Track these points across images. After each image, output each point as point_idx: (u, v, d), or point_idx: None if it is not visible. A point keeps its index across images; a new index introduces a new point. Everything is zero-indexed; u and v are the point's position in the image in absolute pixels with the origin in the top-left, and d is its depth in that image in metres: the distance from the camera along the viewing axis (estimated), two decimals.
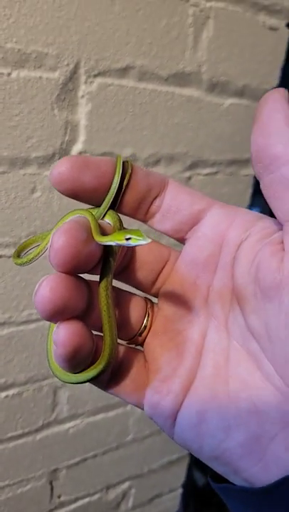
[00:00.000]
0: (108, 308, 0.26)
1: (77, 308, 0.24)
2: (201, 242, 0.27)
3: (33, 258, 0.30)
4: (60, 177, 0.24)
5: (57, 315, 0.23)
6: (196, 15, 0.63)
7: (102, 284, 0.26)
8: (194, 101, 0.68)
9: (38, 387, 0.74)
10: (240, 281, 0.25)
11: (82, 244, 0.23)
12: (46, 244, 0.29)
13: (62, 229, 0.23)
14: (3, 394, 0.71)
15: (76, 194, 0.25)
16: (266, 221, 0.26)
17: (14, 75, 0.52)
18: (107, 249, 0.26)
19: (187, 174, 0.72)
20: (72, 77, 0.56)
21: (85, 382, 0.26)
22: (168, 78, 0.64)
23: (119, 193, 0.26)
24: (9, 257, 0.60)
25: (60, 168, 0.24)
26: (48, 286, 0.23)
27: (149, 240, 0.24)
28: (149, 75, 0.62)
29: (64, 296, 0.23)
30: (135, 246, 0.25)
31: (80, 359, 0.24)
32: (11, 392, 0.72)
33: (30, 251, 0.31)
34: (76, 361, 0.24)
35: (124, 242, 0.24)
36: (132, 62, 0.60)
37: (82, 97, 0.58)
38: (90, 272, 0.26)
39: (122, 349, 0.29)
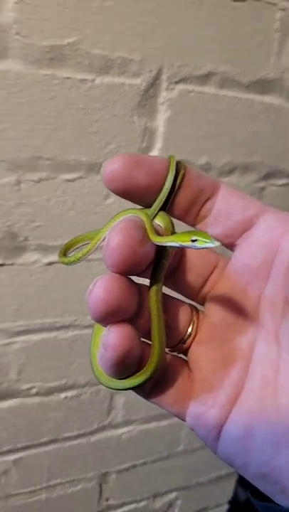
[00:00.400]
0: (158, 313, 0.25)
1: (129, 311, 0.24)
2: (253, 248, 0.26)
3: (81, 257, 0.29)
4: (113, 175, 0.23)
5: (109, 316, 0.23)
6: (282, 19, 0.61)
7: (153, 288, 0.25)
8: (274, 109, 0.65)
9: (95, 391, 0.74)
10: None
11: (138, 244, 0.22)
12: (96, 242, 0.28)
13: (118, 227, 0.22)
14: (63, 395, 0.72)
15: (128, 193, 0.24)
16: None
17: (98, 81, 0.52)
18: (160, 252, 0.25)
19: (261, 184, 0.70)
20: (154, 83, 0.55)
21: (130, 389, 0.25)
22: (249, 85, 0.62)
23: (171, 193, 0.25)
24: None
25: (113, 165, 0.23)
26: (102, 287, 0.22)
27: (218, 243, 0.23)
28: (230, 81, 0.60)
29: (118, 298, 0.22)
30: (201, 249, 0.24)
31: (129, 364, 0.24)
32: (70, 393, 0.72)
33: (78, 249, 0.30)
34: (124, 366, 0.23)
35: (189, 244, 0.23)
36: (214, 68, 0.58)
37: (162, 103, 0.57)
38: (140, 274, 0.25)
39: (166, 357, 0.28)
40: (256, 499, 0.26)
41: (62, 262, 0.30)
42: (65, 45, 0.49)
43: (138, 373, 0.25)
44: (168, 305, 0.28)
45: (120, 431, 0.81)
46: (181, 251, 0.27)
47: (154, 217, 0.26)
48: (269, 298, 0.26)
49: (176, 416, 0.27)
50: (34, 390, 0.69)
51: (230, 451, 0.25)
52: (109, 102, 0.54)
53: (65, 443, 0.77)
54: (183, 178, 0.25)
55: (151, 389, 0.26)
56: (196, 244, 0.23)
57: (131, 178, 0.24)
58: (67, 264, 0.29)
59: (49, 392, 0.71)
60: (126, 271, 0.23)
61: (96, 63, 0.51)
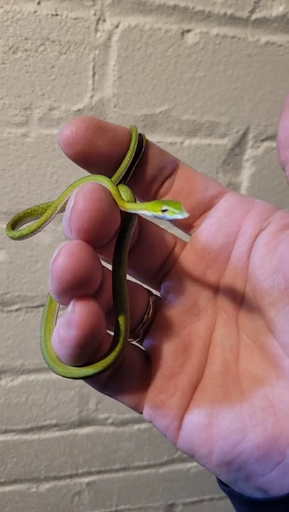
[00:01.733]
0: (123, 292, 0.22)
1: (96, 285, 0.21)
2: (213, 230, 0.25)
3: (34, 230, 0.25)
4: (74, 137, 0.21)
5: (76, 288, 0.19)
6: None
7: (118, 263, 0.22)
8: None
9: None
10: (259, 272, 0.23)
11: (108, 207, 0.20)
12: (53, 211, 0.25)
13: (86, 189, 0.20)
14: (136, 426, 0.75)
15: (87, 160, 0.22)
16: (286, 211, 0.24)
17: (186, 143, 0.55)
18: (125, 223, 0.23)
19: None
20: (240, 142, 0.57)
21: (86, 377, 0.22)
22: None
23: (132, 165, 0.23)
24: None
25: (73, 127, 0.21)
26: (68, 253, 0.19)
27: (187, 215, 0.20)
28: None
29: (86, 266, 0.19)
30: (170, 220, 0.21)
31: (93, 346, 0.21)
32: (142, 426, 0.76)
33: (28, 224, 0.26)
34: (88, 348, 0.20)
35: (159, 214, 0.20)
36: None
37: (247, 160, 0.59)
38: (101, 249, 0.22)
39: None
40: (223, 485, 0.25)
41: (11, 237, 0.26)
42: (157, 114, 0.53)
43: (101, 359, 0.22)
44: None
45: (189, 465, 0.83)
46: (138, 229, 0.25)
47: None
48: (229, 280, 0.25)
49: (132, 409, 0.25)
50: (110, 420, 0.74)
51: (192, 441, 0.23)
52: (195, 162, 0.57)
53: (135, 471, 0.80)
54: (145, 152, 0.24)
55: (107, 380, 0.24)
56: (166, 214, 0.20)
57: (92, 143, 0.22)
58: (16, 238, 0.26)
59: (123, 423, 0.75)
60: (93, 238, 0.20)
61: (185, 127, 0.55)
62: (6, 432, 0.70)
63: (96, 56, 0.50)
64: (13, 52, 0.48)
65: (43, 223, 0.25)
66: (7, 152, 0.51)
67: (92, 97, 0.51)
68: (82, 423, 0.73)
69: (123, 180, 0.24)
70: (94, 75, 0.50)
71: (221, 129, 0.56)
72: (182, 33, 0.51)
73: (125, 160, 0.23)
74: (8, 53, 0.48)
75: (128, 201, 0.22)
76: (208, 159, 0.57)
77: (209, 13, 0.50)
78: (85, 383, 0.63)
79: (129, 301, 0.23)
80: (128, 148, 0.23)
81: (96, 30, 0.49)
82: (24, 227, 0.26)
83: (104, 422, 0.74)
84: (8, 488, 0.76)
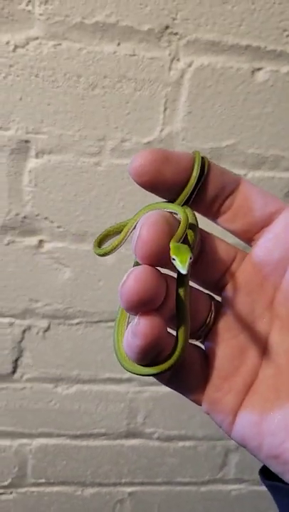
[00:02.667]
0: (185, 304, 0.25)
1: (159, 301, 0.24)
2: (271, 244, 0.27)
3: (115, 247, 0.29)
4: (142, 169, 0.24)
5: (141, 306, 0.23)
6: None
7: (182, 278, 0.25)
8: None
9: (211, 446, 0.78)
10: None
11: (168, 239, 0.23)
12: (125, 235, 0.28)
13: (149, 221, 0.23)
14: (181, 443, 0.77)
15: (155, 187, 0.25)
16: None
17: (250, 175, 0.57)
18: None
19: None
20: None
21: (151, 375, 0.25)
22: None
23: (195, 189, 0.26)
24: None
25: (142, 160, 0.24)
26: (135, 278, 0.23)
27: (185, 272, 0.23)
28: None
29: (149, 289, 0.23)
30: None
31: (157, 351, 0.24)
32: (187, 443, 0.77)
33: (111, 241, 0.30)
34: (151, 353, 0.24)
35: (172, 260, 0.23)
36: None
37: None
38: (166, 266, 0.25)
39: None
40: (264, 478, 0.28)
41: (97, 254, 0.30)
42: (223, 147, 0.55)
43: (166, 360, 0.25)
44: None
45: (230, 487, 0.83)
46: (201, 243, 0.28)
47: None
48: (285, 291, 0.27)
49: (193, 401, 0.28)
50: (156, 435, 0.76)
51: (244, 434, 0.26)
52: None
53: (176, 487, 0.82)
54: (207, 174, 0.26)
55: (170, 377, 0.28)
56: (174, 262, 0.23)
57: (159, 173, 0.24)
58: (102, 255, 0.29)
59: (169, 438, 0.77)
60: (156, 263, 0.23)
61: (250, 161, 0.56)
62: (58, 435, 0.74)
63: (168, 93, 0.52)
64: (92, 89, 0.51)
65: (117, 245, 0.29)
66: (80, 179, 0.55)
67: (161, 130, 0.54)
68: (129, 435, 0.76)
69: (188, 202, 0.26)
70: (165, 110, 0.53)
71: (285, 162, 0.57)
72: (252, 72, 0.52)
73: (189, 184, 0.25)
74: (88, 90, 0.51)
75: (183, 225, 0.25)
76: (271, 191, 0.58)
77: (281, 52, 0.52)
78: (135, 398, 0.65)
79: (191, 308, 0.26)
80: (191, 174, 0.25)
81: (170, 69, 0.51)
82: (107, 245, 0.30)
83: (151, 436, 0.76)
84: (55, 489, 0.80)
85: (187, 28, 0.50)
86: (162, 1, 0.49)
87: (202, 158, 0.26)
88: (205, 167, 0.26)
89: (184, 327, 0.25)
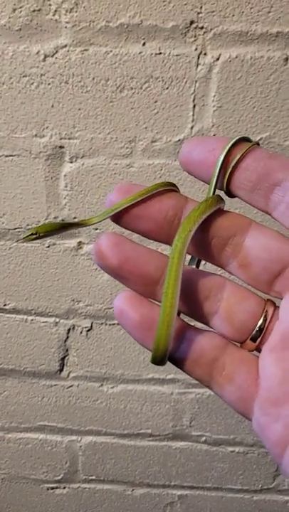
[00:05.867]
0: (177, 277, 0.23)
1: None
2: None
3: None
4: (192, 158, 0.25)
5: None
6: None
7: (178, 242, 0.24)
8: None
9: (263, 453, 0.75)
10: None
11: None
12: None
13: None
14: (230, 448, 0.75)
15: (200, 176, 0.25)
16: None
17: None
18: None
19: None
20: None
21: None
22: None
23: (220, 172, 0.24)
24: None
25: (193, 148, 0.25)
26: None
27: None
28: None
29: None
30: None
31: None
32: (236, 449, 0.75)
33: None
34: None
35: None
36: None
37: None
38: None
39: (233, 350, 0.25)
40: None
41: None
42: (258, 140, 0.53)
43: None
44: (230, 290, 0.26)
45: (286, 498, 0.79)
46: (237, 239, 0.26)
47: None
48: None
49: (240, 414, 0.25)
50: (203, 438, 0.74)
51: None
52: None
53: (228, 493, 0.79)
54: (242, 158, 0.24)
55: (212, 379, 0.25)
56: None
57: (207, 162, 0.25)
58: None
59: (217, 443, 0.75)
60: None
61: (287, 153, 0.53)
62: (106, 434, 0.76)
63: (196, 89, 0.51)
64: (120, 91, 0.52)
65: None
66: (113, 181, 0.56)
67: (192, 127, 0.53)
68: (175, 437, 0.75)
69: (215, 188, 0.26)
70: (194, 106, 0.52)
71: None
72: (285, 59, 0.50)
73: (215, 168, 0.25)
74: (116, 92, 0.52)
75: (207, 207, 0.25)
76: None
77: None
78: (180, 399, 0.64)
79: (235, 304, 0.25)
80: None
81: (197, 64, 0.50)
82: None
83: (198, 440, 0.75)
84: (106, 487, 0.81)
85: (213, 20, 0.49)
86: None
87: (240, 142, 0.25)
88: (241, 150, 0.25)
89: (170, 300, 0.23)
